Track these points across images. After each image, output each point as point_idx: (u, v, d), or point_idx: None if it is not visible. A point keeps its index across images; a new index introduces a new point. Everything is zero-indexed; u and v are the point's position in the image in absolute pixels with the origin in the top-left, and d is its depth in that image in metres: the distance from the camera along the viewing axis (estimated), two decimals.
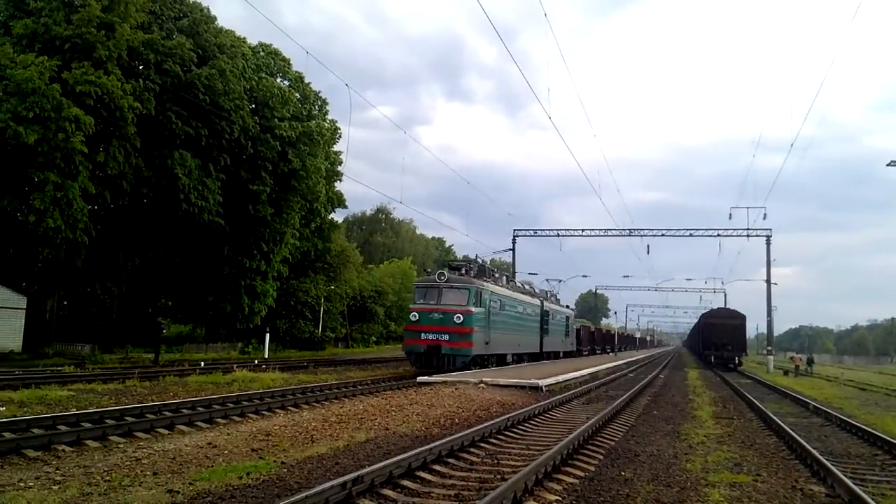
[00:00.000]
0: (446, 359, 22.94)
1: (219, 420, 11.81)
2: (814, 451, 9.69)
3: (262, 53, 41.72)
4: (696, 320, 78.44)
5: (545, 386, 18.84)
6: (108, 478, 6.98)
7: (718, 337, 45.71)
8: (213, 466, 7.72)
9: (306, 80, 44.44)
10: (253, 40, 41.48)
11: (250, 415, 12.67)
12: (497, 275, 30.35)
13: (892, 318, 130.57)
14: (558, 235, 50.79)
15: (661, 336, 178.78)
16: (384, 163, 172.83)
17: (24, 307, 31.81)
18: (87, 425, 9.99)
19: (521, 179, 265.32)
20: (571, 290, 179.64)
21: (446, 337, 23.00)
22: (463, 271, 25.94)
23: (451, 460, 8.52)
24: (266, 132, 37.00)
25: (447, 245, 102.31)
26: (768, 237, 45.07)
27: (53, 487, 6.56)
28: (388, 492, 6.81)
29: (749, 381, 31.59)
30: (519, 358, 30.95)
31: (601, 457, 9.47)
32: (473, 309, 23.60)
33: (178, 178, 31.97)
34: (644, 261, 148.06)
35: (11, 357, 28.07)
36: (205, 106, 33.16)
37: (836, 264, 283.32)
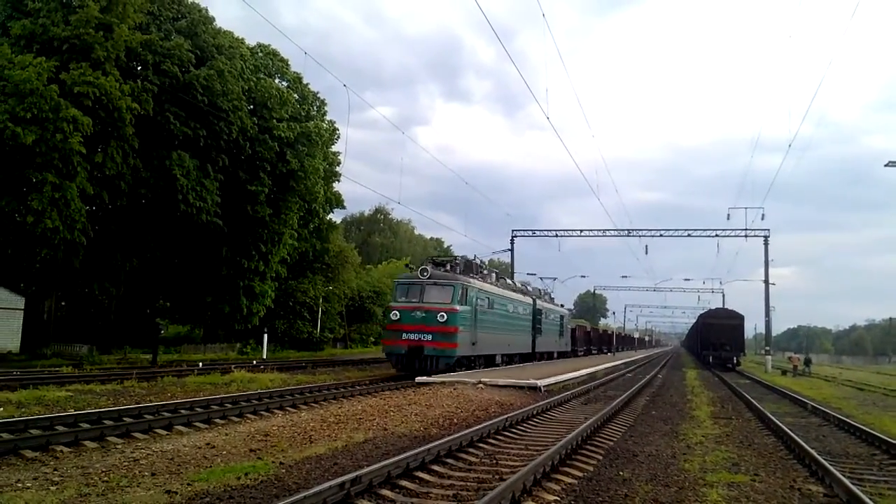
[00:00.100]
0: (429, 360, 21.79)
1: (217, 420, 11.80)
2: (812, 451, 9.70)
3: (260, 54, 41.72)
4: (694, 320, 78.56)
5: (543, 386, 18.85)
6: (106, 478, 6.98)
7: (717, 337, 45.77)
8: (211, 467, 7.71)
9: (304, 81, 44.41)
10: (251, 41, 41.55)
11: (248, 415, 12.66)
12: (486, 271, 29.20)
13: (890, 319, 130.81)
14: (557, 236, 50.95)
15: (660, 336, 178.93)
16: (382, 163, 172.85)
17: (22, 308, 31.77)
18: (85, 426, 9.98)
19: (520, 180, 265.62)
20: (570, 291, 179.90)
21: (429, 337, 21.82)
22: (448, 267, 24.87)
23: (449, 461, 8.52)
24: (264, 133, 36.99)
25: (446, 245, 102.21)
26: (766, 237, 45.24)
27: (51, 488, 6.55)
28: (386, 492, 6.81)
29: (747, 381, 31.62)
30: (509, 359, 29.96)
31: (600, 457, 9.48)
32: (458, 307, 22.45)
33: (176, 179, 31.95)
34: (642, 261, 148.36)
35: (9, 358, 28.03)
36: (203, 107, 33.14)
37: (835, 264, 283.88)
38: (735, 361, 45.24)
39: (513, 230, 50.28)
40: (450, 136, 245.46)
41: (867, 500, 6.86)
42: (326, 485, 6.16)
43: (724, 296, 74.58)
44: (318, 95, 46.64)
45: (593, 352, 58.26)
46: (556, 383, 20.38)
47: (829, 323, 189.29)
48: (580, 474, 8.21)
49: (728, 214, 44.93)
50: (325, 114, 47.25)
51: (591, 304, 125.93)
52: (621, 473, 8.39)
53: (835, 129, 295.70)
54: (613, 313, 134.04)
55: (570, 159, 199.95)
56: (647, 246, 50.02)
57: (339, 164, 49.30)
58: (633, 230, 49.22)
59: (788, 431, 11.94)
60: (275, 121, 37.44)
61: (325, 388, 17.88)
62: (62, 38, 28.59)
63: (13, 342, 30.75)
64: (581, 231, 50.63)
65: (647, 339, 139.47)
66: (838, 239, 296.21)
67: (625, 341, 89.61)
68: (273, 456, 8.50)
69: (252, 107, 37.42)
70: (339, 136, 48.50)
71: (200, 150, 34.26)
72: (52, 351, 31.01)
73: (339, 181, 49.87)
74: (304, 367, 28.57)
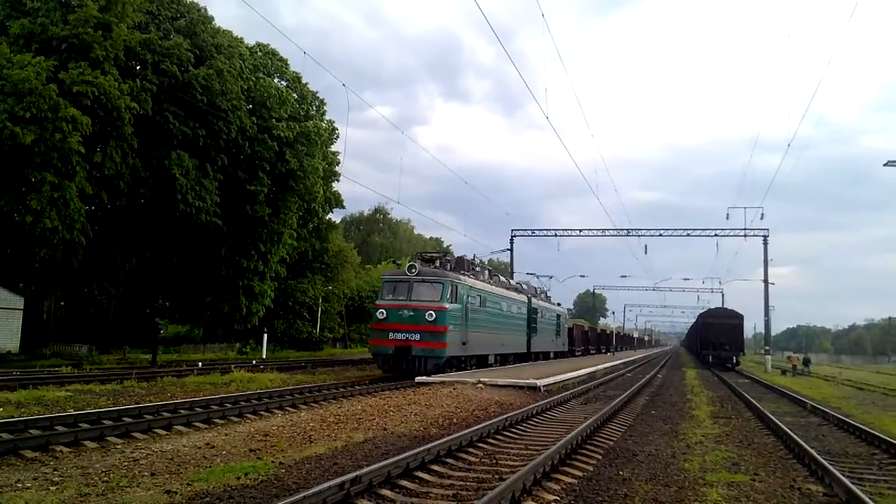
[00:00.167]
0: (417, 361, 20.93)
1: (217, 420, 11.79)
2: (811, 451, 9.70)
3: (259, 54, 41.72)
4: (693, 320, 78.62)
5: (543, 386, 18.84)
6: (105, 478, 6.97)
7: (716, 337, 45.77)
8: (210, 467, 7.70)
9: (304, 81, 44.44)
10: (250, 40, 41.55)
11: (248, 415, 12.65)
12: (478, 268, 28.32)
13: (890, 318, 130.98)
14: (556, 235, 50.89)
15: (659, 336, 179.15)
16: (382, 163, 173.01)
17: (22, 308, 31.76)
18: (85, 426, 9.97)
19: (519, 179, 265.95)
20: (570, 290, 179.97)
21: (417, 336, 20.95)
22: (437, 264, 23.94)
23: (449, 460, 8.51)
24: (263, 132, 36.98)
25: (445, 245, 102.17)
26: (765, 237, 45.22)
27: (51, 488, 6.55)
28: (386, 492, 6.81)
29: (747, 381, 31.63)
30: (503, 359, 29.04)
31: (599, 457, 9.48)
32: (448, 305, 21.51)
33: (175, 179, 31.94)
34: (642, 261, 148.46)
35: (9, 358, 28.01)
36: (202, 106, 33.12)
37: (834, 264, 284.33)
38: (734, 361, 45.25)
39: (512, 230, 50.29)
40: (449, 135, 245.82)
41: (867, 499, 6.86)
42: (326, 485, 6.15)
43: (723, 295, 74.81)
44: (318, 95, 46.71)
45: (591, 352, 57.71)
46: (555, 383, 20.37)
47: (829, 322, 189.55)
48: (580, 474, 8.21)
49: (727, 214, 45.07)
50: (324, 113, 47.30)
51: (590, 304, 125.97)
52: (621, 473, 8.39)
53: (834, 129, 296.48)
54: (613, 313, 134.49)
55: (569, 159, 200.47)
56: (646, 245, 50.18)
57: (338, 163, 49.31)
58: (632, 230, 49.30)
59: (788, 431, 11.94)
60: (274, 120, 37.43)
61: (324, 388, 17.86)
62: (61, 37, 28.58)
63: (12, 342, 30.74)
64: (580, 231, 50.68)
65: (646, 338, 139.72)
66: (837, 238, 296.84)
67: (624, 341, 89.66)
68: (273, 456, 8.49)
69: (251, 106, 37.41)
70: (338, 136, 48.56)
71: (199, 150, 34.24)
72: (52, 351, 31.01)
73: (338, 181, 49.93)
74: (303, 366, 28.56)
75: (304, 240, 46.29)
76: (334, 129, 47.97)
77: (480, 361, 25.76)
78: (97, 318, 37.84)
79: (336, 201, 50.06)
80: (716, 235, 46.74)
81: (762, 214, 44.40)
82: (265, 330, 36.53)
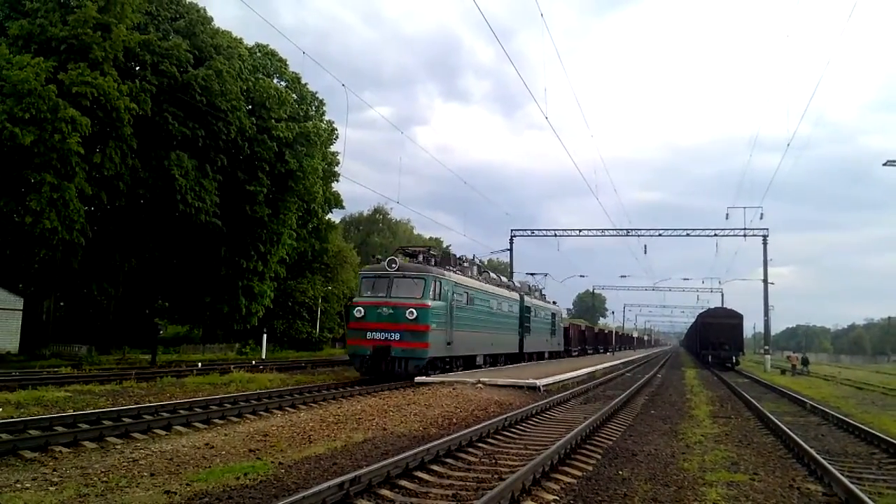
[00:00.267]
0: (396, 362, 19.68)
1: (216, 421, 11.79)
2: (811, 450, 9.70)
3: (258, 54, 41.74)
4: (693, 320, 78.62)
5: (543, 386, 18.84)
6: (105, 479, 6.97)
7: (716, 336, 45.78)
8: (210, 467, 7.70)
9: (303, 81, 44.47)
10: (249, 41, 41.61)
11: (248, 415, 12.65)
12: (466, 264, 27.02)
13: (889, 318, 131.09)
14: (556, 235, 50.89)
15: (659, 336, 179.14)
16: (381, 163, 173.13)
17: (21, 308, 31.74)
18: (84, 426, 9.96)
19: (519, 179, 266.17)
20: (569, 290, 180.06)
21: (397, 336, 19.65)
22: (421, 258, 22.59)
23: (448, 460, 8.51)
24: (263, 133, 36.99)
25: (445, 245, 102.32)
26: (765, 237, 45.22)
27: (50, 489, 6.55)
28: (385, 492, 6.81)
29: (746, 381, 31.63)
30: (493, 360, 27.74)
31: (599, 456, 9.48)
32: (430, 303, 20.14)
33: (174, 179, 31.94)
34: (641, 261, 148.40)
35: (8, 358, 27.99)
36: (201, 107, 33.12)
37: (833, 264, 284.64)
38: (734, 361, 45.28)
39: (512, 230, 50.28)
40: (449, 135, 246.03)
41: (866, 498, 6.86)
42: (326, 485, 6.15)
43: (722, 295, 74.87)
44: (317, 95, 46.75)
45: (588, 352, 56.83)
46: (555, 383, 20.38)
47: (828, 322, 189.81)
48: (579, 474, 8.21)
49: (727, 214, 45.05)
50: (323, 114, 47.33)
51: (590, 304, 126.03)
52: (620, 473, 8.39)
53: (833, 129, 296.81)
54: (612, 313, 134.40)
55: (568, 159, 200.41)
56: (645, 245, 50.19)
57: (337, 163, 49.35)
58: (631, 230, 49.30)
59: (787, 430, 11.94)
60: (273, 121, 37.43)
61: (324, 388, 17.87)
62: (60, 38, 28.57)
63: (12, 343, 30.72)
64: (580, 231, 50.66)
65: (646, 338, 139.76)
66: (837, 238, 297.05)
67: (624, 341, 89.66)
68: (272, 456, 8.49)
69: (251, 107, 37.42)
70: (337, 136, 48.61)
71: (199, 151, 34.24)
72: (51, 351, 30.98)
73: (337, 181, 49.97)
74: (303, 367, 28.55)
75: (303, 240, 46.30)
76: (333, 129, 48.00)
77: (468, 363, 24.56)
78: (97, 319, 37.82)
79: (335, 201, 50.09)
80: (715, 235, 46.79)
81: (762, 214, 44.54)
82: (265, 330, 36.52)
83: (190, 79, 32.96)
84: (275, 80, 41.28)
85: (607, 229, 49.21)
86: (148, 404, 12.63)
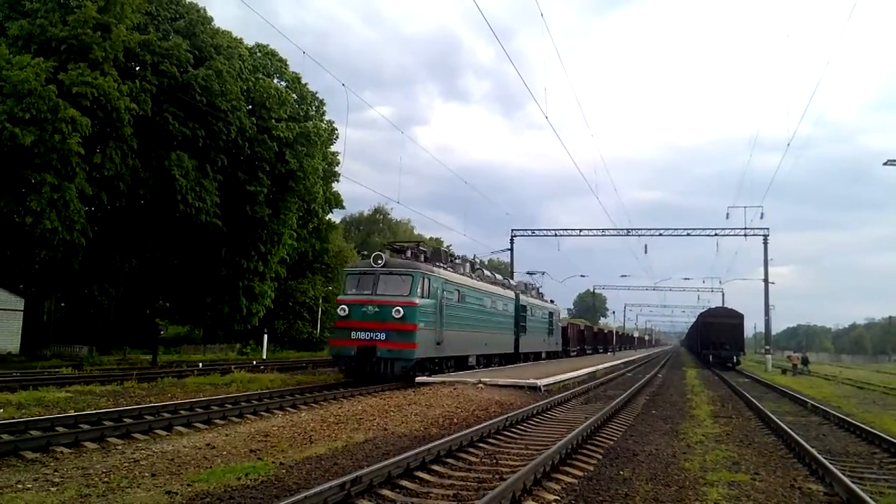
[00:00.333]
0: (382, 363, 18.69)
1: (217, 421, 11.80)
2: (812, 450, 9.70)
3: (258, 54, 41.73)
4: (694, 320, 78.63)
5: (543, 386, 18.84)
6: (106, 479, 6.97)
7: (717, 336, 45.80)
8: (211, 468, 7.70)
9: (303, 81, 44.45)
10: (249, 41, 41.59)
11: (248, 416, 12.65)
12: (458, 260, 26.09)
13: (890, 317, 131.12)
14: (556, 235, 50.85)
15: (660, 335, 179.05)
16: (381, 163, 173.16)
17: (22, 309, 31.76)
18: (86, 427, 9.97)
19: (519, 179, 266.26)
20: (570, 290, 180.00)
21: (382, 336, 18.66)
22: (409, 254, 21.68)
23: (449, 460, 8.51)
24: (263, 133, 36.99)
25: (445, 245, 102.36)
26: (765, 236, 45.20)
27: (52, 489, 6.55)
28: (386, 492, 6.81)
29: (747, 380, 31.62)
30: (487, 361, 26.74)
31: (600, 456, 9.48)
32: (418, 301, 19.15)
33: (175, 180, 31.94)
34: (642, 260, 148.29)
35: (9, 359, 28.00)
36: (202, 107, 33.13)
37: (834, 263, 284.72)
38: (735, 360, 45.28)
39: (512, 230, 50.17)
40: (449, 135, 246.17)
41: (867, 498, 6.86)
42: (327, 485, 6.15)
43: (723, 295, 74.81)
44: (317, 95, 46.74)
45: (587, 352, 56.11)
46: (555, 383, 20.38)
47: (829, 322, 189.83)
48: (580, 474, 8.20)
49: (727, 213, 45.23)
50: (323, 114, 47.33)
51: (590, 304, 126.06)
52: (621, 473, 8.39)
53: (833, 129, 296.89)
54: (613, 312, 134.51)
55: (568, 159, 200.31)
56: (646, 245, 50.29)
57: (338, 164, 49.36)
58: (632, 229, 49.26)
59: (788, 430, 11.94)
60: (273, 121, 37.44)
61: (324, 388, 17.86)
62: (60, 38, 28.58)
63: (13, 343, 30.74)
64: (580, 230, 50.63)
65: (646, 338, 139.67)
66: (837, 238, 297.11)
67: (624, 341, 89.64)
68: (273, 456, 8.49)
69: (251, 107, 37.42)
70: (337, 136, 48.60)
71: (199, 151, 34.25)
72: (52, 352, 30.99)
73: (338, 181, 49.97)
74: (304, 367, 28.56)
75: (304, 240, 46.29)
76: (334, 129, 48.00)
77: (460, 364, 23.53)
78: (97, 319, 37.83)
79: (336, 201, 50.09)
80: (716, 235, 46.75)
81: (762, 214, 44.46)
82: (265, 330, 36.53)
83: (190, 79, 32.97)
84: (275, 80, 41.27)
85: (608, 229, 49.24)
86: (149, 405, 12.64)
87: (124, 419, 10.91)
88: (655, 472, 8.52)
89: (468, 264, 27.34)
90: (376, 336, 18.78)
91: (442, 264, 22.67)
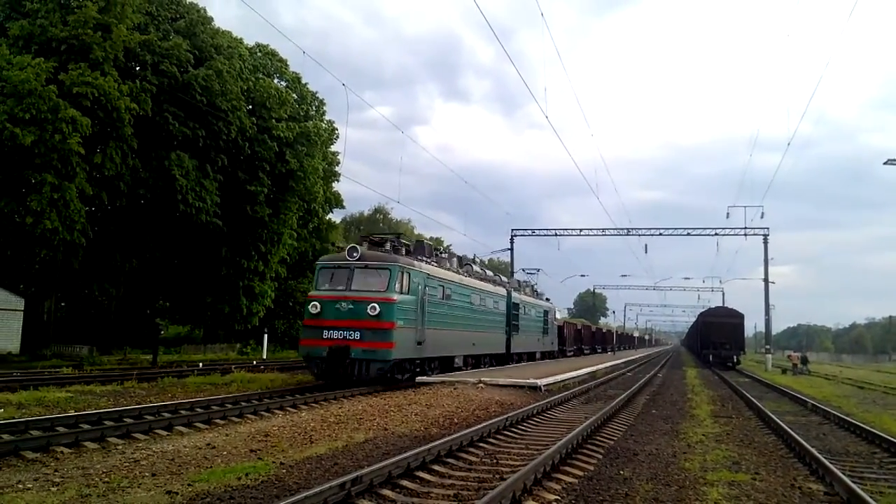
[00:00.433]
0: (357, 365, 17.15)
1: (217, 421, 11.80)
2: (812, 450, 9.70)
3: (258, 54, 41.73)
4: (694, 319, 78.64)
5: (544, 385, 18.84)
6: (106, 479, 6.97)
7: (717, 336, 45.80)
8: (211, 467, 7.71)
9: (303, 81, 44.44)
10: (249, 41, 41.56)
11: (249, 415, 12.65)
12: (444, 254, 24.60)
13: (890, 317, 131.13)
14: (556, 235, 50.92)
15: (660, 335, 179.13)
16: (382, 163, 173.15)
17: (22, 309, 31.78)
18: (86, 427, 9.98)
19: (519, 179, 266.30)
20: (570, 290, 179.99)
21: (357, 335, 17.17)
22: (388, 247, 19.89)
23: (450, 460, 8.52)
24: (263, 133, 37.00)
25: (446, 245, 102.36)
26: (766, 236, 45.22)
27: (52, 489, 6.55)
28: (387, 492, 6.81)
29: (747, 380, 31.62)
30: (476, 361, 25.25)
31: (600, 456, 9.48)
32: (396, 297, 17.62)
33: (175, 179, 31.95)
34: (642, 260, 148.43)
35: (9, 359, 28.02)
36: (202, 107, 33.14)
37: (834, 263, 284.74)
38: (735, 360, 45.27)
39: (512, 229, 50.20)
40: (449, 135, 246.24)
41: (868, 498, 6.86)
42: (327, 485, 6.16)
43: (723, 294, 74.93)
44: (317, 95, 46.71)
45: (585, 352, 55.31)
46: (556, 383, 20.38)
47: (829, 321, 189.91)
48: (581, 473, 8.21)
49: (727, 213, 45.19)
50: (324, 113, 47.31)
51: (591, 303, 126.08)
52: (622, 472, 8.39)
53: (833, 128, 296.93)
54: (613, 312, 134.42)
55: (569, 158, 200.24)
56: (646, 245, 50.25)
57: (338, 163, 49.36)
58: (632, 229, 49.31)
59: (789, 430, 11.94)
60: (274, 121, 37.44)
61: (325, 388, 17.84)
62: (60, 38, 28.59)
63: (13, 343, 30.76)
64: (580, 230, 50.68)
65: (646, 337, 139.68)
66: (838, 237, 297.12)
67: (624, 340, 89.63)
68: (273, 456, 8.50)
69: (251, 107, 37.43)
70: (338, 136, 48.59)
71: (199, 151, 34.26)
72: (52, 352, 31.00)
73: (338, 181, 49.98)
74: (304, 367, 28.51)
75: (304, 240, 46.29)
76: (334, 129, 47.99)
77: (445, 365, 22.03)
78: (98, 319, 37.85)
79: (336, 201, 50.10)
80: (716, 234, 46.79)
81: (762, 213, 44.54)
82: (266, 330, 36.54)
83: (190, 79, 32.98)
84: (275, 80, 41.27)
85: (608, 229, 49.29)
86: (149, 404, 12.64)
87: (125, 419, 10.92)
88: (656, 472, 8.52)
89: (455, 259, 25.96)
90: (350, 335, 17.32)
91: (425, 258, 21.25)
